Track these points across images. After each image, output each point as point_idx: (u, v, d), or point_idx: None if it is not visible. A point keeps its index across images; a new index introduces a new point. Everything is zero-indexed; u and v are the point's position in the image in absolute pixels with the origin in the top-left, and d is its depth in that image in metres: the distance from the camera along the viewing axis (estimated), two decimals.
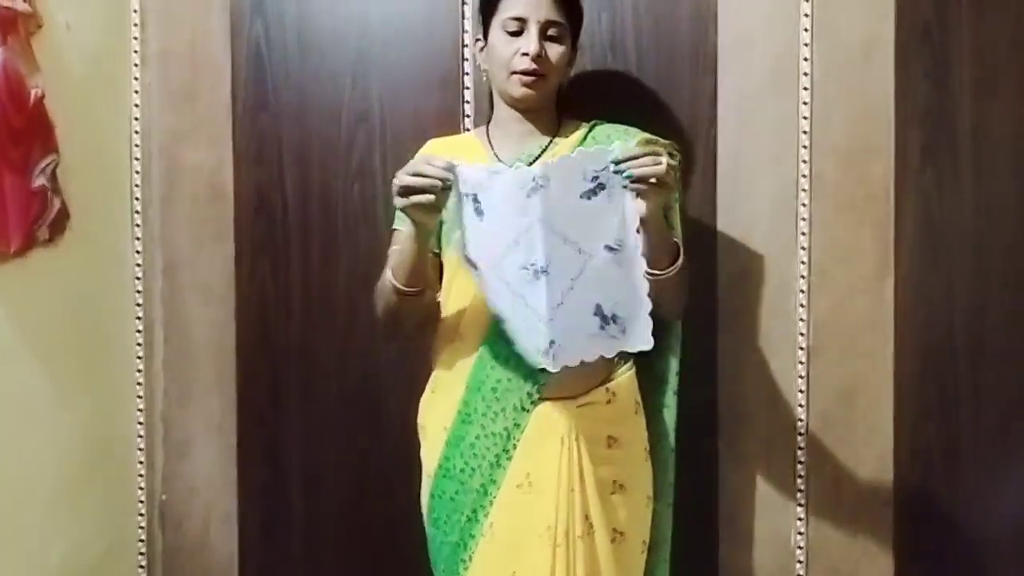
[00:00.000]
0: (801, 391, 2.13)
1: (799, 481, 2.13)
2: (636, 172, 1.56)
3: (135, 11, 2.30)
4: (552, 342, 1.60)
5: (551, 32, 1.78)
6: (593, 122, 1.88)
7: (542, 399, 1.74)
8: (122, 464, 2.33)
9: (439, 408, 1.82)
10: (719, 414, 2.13)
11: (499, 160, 1.84)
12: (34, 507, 2.05)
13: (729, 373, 2.13)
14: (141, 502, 2.35)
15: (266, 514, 2.30)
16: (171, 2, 2.30)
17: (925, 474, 2.10)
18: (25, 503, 2.03)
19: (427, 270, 1.75)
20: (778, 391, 2.13)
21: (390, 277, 1.74)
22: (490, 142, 1.87)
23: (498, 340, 1.75)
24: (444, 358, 1.83)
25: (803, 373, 2.12)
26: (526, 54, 1.76)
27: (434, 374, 1.86)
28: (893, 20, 2.05)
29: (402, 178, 1.60)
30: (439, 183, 1.58)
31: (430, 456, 1.82)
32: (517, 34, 1.77)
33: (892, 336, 2.08)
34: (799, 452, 2.13)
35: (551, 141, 1.85)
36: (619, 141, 1.82)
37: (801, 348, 2.12)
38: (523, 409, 1.74)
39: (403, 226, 1.77)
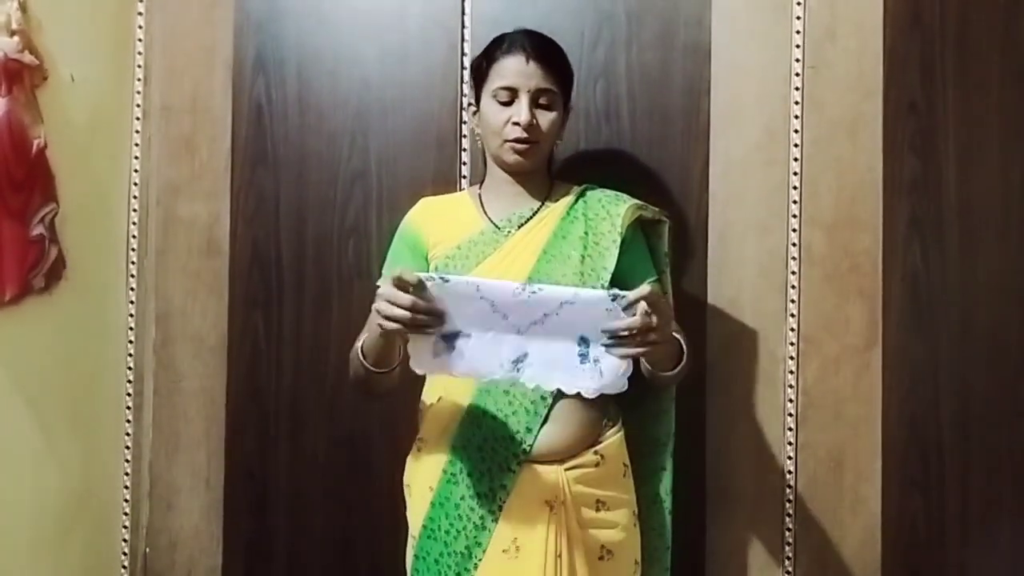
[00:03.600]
0: (790, 457, 2.13)
1: (787, 548, 2.13)
2: (629, 351, 1.55)
3: (139, 66, 2.34)
4: (525, 354, 1.57)
5: (542, 100, 1.80)
6: (584, 186, 1.90)
7: (529, 461, 1.73)
8: (106, 515, 2.31)
9: (425, 467, 1.80)
10: (707, 481, 2.13)
11: (490, 220, 1.86)
12: (14, 557, 2.03)
13: (717, 438, 2.14)
14: (124, 554, 2.33)
15: (250, 571, 2.28)
16: (175, 57, 2.34)
17: (912, 545, 2.09)
18: (5, 552, 2.01)
19: (396, 355, 1.70)
20: (766, 458, 2.14)
21: (360, 355, 1.72)
22: (482, 203, 1.89)
23: (485, 398, 1.75)
24: (430, 416, 1.82)
25: (791, 440, 2.13)
26: (517, 123, 1.78)
27: (420, 432, 1.85)
28: (880, 95, 2.10)
29: (381, 306, 1.56)
30: (409, 317, 1.55)
31: (415, 516, 1.80)
32: (508, 103, 1.79)
33: (879, 405, 2.10)
34: (787, 519, 2.13)
35: (542, 204, 1.87)
36: (613, 206, 1.85)
37: (789, 415, 2.13)
38: (509, 470, 1.73)
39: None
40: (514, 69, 1.79)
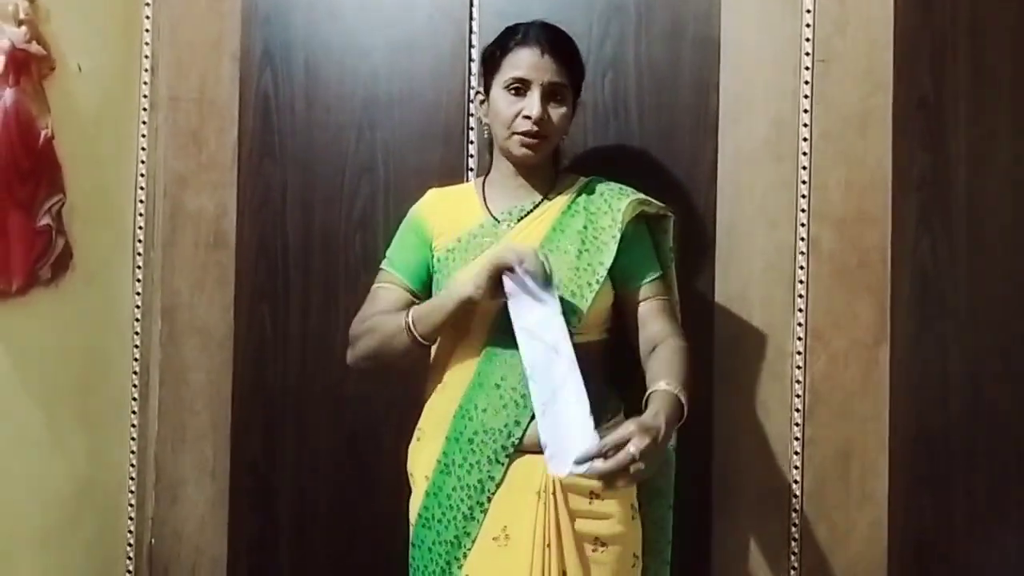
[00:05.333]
0: (796, 453, 2.13)
1: (793, 544, 2.12)
2: (603, 475, 1.54)
3: (146, 56, 2.34)
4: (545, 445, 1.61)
5: (556, 91, 1.79)
6: (590, 179, 1.90)
7: (519, 452, 1.74)
8: (112, 506, 2.31)
9: (422, 457, 1.83)
10: (713, 475, 2.13)
11: (491, 214, 1.86)
12: (21, 547, 2.04)
13: (724, 435, 2.13)
14: (130, 545, 2.33)
15: (255, 562, 2.28)
16: (182, 49, 2.33)
17: (919, 541, 2.08)
18: (12, 542, 2.01)
19: (443, 330, 1.78)
20: (773, 454, 2.13)
21: (410, 323, 1.76)
22: (484, 196, 1.88)
23: (477, 392, 1.77)
24: (429, 407, 1.85)
25: (798, 435, 2.12)
26: (528, 116, 1.77)
27: (419, 423, 1.87)
28: (891, 90, 2.09)
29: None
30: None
31: (414, 505, 1.84)
32: (520, 94, 1.79)
33: (887, 401, 2.09)
34: (793, 515, 2.12)
35: (544, 198, 1.86)
36: (615, 200, 1.84)
37: (796, 411, 2.12)
38: (498, 462, 1.74)
39: (389, 274, 1.88)
40: (528, 61, 1.78)
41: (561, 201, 1.85)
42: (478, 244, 1.83)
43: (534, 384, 1.64)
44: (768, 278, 2.13)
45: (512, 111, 1.79)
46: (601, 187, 1.87)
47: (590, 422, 1.58)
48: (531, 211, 1.85)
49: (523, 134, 1.79)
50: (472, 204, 1.88)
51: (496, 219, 1.85)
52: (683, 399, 1.67)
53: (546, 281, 1.68)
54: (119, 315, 2.32)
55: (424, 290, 1.87)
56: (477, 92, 1.89)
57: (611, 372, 1.84)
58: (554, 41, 1.80)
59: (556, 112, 1.80)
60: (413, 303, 1.84)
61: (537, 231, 1.82)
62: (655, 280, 1.85)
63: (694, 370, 1.77)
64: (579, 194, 1.86)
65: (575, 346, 1.68)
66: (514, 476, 1.74)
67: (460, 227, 1.85)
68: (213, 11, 2.32)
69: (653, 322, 1.82)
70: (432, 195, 1.94)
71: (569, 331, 1.71)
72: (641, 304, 1.83)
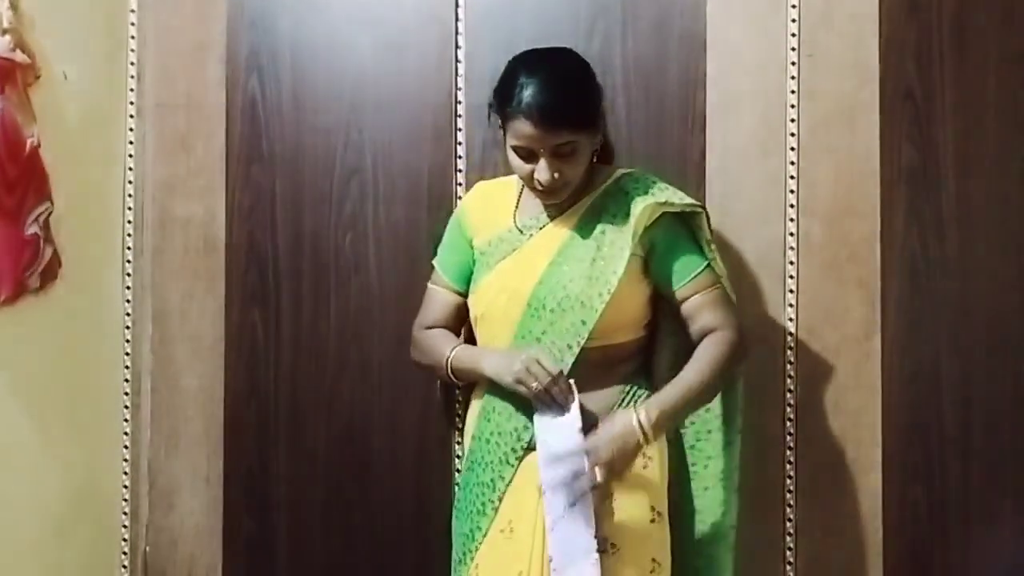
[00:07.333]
0: (790, 448, 2.13)
1: (788, 539, 2.13)
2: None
3: (132, 63, 2.33)
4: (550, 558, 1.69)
5: (564, 150, 1.74)
6: (626, 173, 1.87)
7: (528, 451, 1.79)
8: (106, 514, 2.30)
9: (464, 453, 1.93)
10: None
11: (516, 220, 1.88)
12: (15, 556, 2.03)
13: None
14: (124, 553, 2.33)
15: (250, 567, 2.28)
16: (168, 54, 2.32)
17: (913, 534, 2.09)
18: (6, 552, 2.01)
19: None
20: (767, 448, 2.13)
21: (448, 367, 1.87)
22: (519, 198, 1.90)
23: (495, 397, 1.83)
24: (469, 408, 1.94)
25: (791, 430, 2.13)
26: (541, 180, 1.75)
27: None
28: (877, 83, 2.09)
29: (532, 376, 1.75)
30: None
31: None
32: (529, 159, 1.75)
33: (879, 395, 2.09)
34: (788, 509, 2.13)
35: (572, 204, 1.84)
36: (635, 204, 1.81)
37: (789, 405, 2.12)
38: (508, 463, 1.80)
39: (438, 275, 1.94)
40: (526, 134, 1.72)
41: (585, 205, 1.85)
42: (500, 251, 1.86)
43: (547, 498, 1.70)
44: (758, 273, 2.13)
45: (525, 171, 1.77)
46: (631, 184, 1.84)
47: (594, 544, 1.68)
48: (555, 217, 1.85)
49: (540, 190, 1.78)
50: (508, 206, 1.90)
51: (520, 229, 1.87)
52: (649, 430, 1.74)
53: (570, 394, 1.75)
54: (109, 322, 2.31)
55: (464, 284, 1.93)
56: (500, 127, 1.81)
57: (644, 365, 1.88)
58: (549, 110, 1.70)
59: (570, 164, 1.75)
60: (461, 304, 1.93)
61: (555, 240, 1.83)
62: (698, 275, 1.84)
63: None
64: (606, 195, 1.84)
65: (591, 350, 1.77)
66: (522, 473, 1.79)
67: (491, 229, 1.89)
68: (199, 16, 2.31)
69: (699, 316, 1.83)
70: (478, 189, 1.99)
71: (582, 338, 1.76)
72: (687, 302, 1.83)
